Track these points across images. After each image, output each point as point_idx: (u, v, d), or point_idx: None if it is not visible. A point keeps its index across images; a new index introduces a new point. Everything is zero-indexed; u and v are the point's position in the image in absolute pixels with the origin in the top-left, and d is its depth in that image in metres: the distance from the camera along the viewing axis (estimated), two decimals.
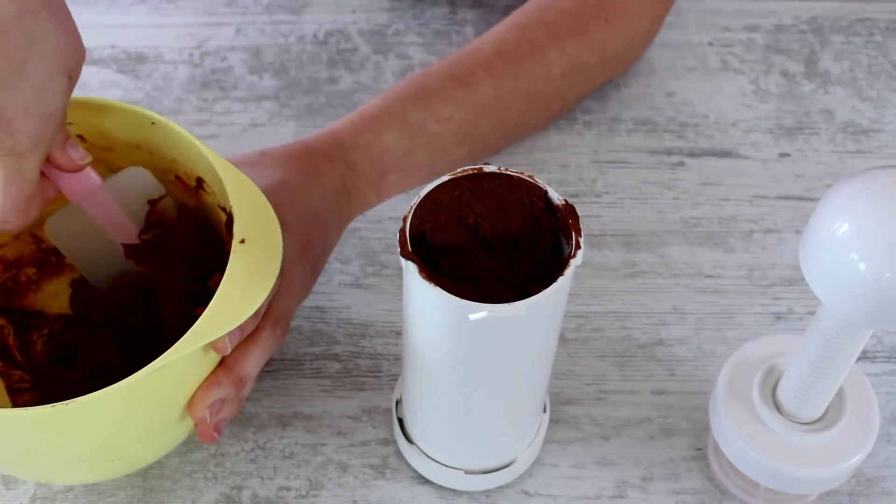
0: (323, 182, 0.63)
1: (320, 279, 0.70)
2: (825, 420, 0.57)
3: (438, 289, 0.48)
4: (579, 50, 0.72)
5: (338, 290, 0.70)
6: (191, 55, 0.82)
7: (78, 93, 0.79)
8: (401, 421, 0.62)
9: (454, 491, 0.62)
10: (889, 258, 0.45)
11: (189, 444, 0.63)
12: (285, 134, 0.78)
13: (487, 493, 0.62)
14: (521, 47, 0.70)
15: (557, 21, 0.72)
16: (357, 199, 0.66)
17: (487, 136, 0.71)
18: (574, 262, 0.49)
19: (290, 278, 0.58)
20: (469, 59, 0.70)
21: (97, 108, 0.59)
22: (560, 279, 0.48)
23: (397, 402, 0.62)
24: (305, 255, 0.59)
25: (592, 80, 0.75)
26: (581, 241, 0.49)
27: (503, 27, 0.72)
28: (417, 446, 0.61)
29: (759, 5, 0.86)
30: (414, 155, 0.67)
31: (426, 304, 0.50)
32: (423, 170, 0.68)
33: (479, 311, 0.47)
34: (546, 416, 0.62)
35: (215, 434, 0.55)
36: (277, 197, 0.58)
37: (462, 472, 0.60)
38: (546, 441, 0.63)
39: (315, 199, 0.62)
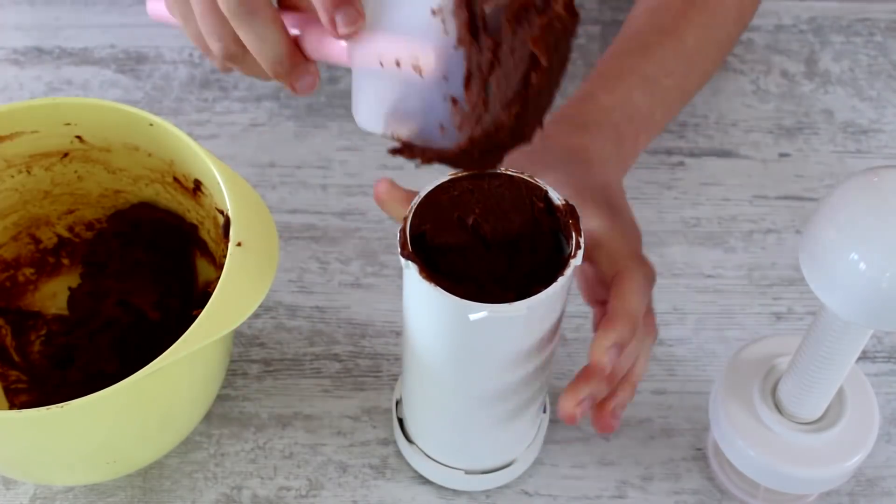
0: (602, 154, 0.61)
1: (320, 279, 0.70)
2: (825, 420, 0.57)
3: (438, 289, 0.48)
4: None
5: (338, 290, 0.70)
6: (191, 55, 0.82)
7: (77, 93, 0.80)
8: (401, 421, 0.62)
9: (454, 491, 0.62)
10: (889, 258, 0.45)
11: (189, 444, 0.63)
12: (285, 134, 0.78)
13: (487, 493, 0.62)
14: None
15: None
16: (624, 161, 0.63)
17: (694, 88, 0.70)
18: (574, 263, 0.49)
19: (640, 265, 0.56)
20: (666, 12, 0.69)
21: (96, 109, 0.59)
22: (560, 279, 0.48)
23: (397, 402, 0.62)
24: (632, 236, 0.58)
25: (741, 30, 0.75)
26: (581, 241, 0.49)
27: None
28: (417, 446, 0.61)
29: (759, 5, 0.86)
30: (655, 114, 0.66)
31: (426, 304, 0.50)
32: (660, 127, 0.67)
33: (479, 311, 0.47)
34: (546, 417, 0.62)
35: (613, 422, 0.55)
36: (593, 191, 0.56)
37: (462, 472, 0.60)
38: (546, 441, 0.63)
39: (609, 174, 0.60)
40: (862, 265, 0.45)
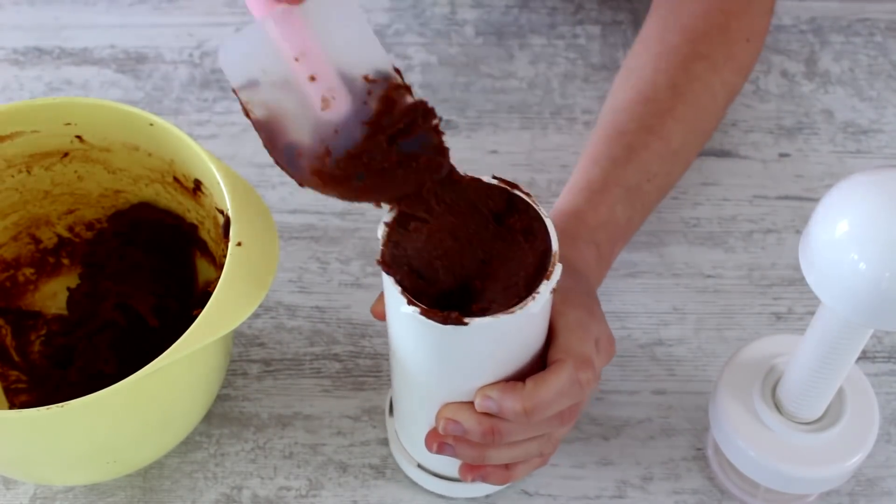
0: (587, 267, 0.61)
1: (320, 279, 0.70)
2: (825, 420, 0.57)
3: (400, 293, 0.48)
4: (734, 77, 0.71)
5: (338, 290, 0.70)
6: (191, 55, 0.82)
7: (77, 93, 0.80)
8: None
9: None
10: (889, 258, 0.45)
11: (189, 445, 0.63)
12: None
13: (487, 494, 0.62)
14: (693, 87, 0.68)
15: (712, 51, 0.69)
16: (601, 273, 0.64)
17: (675, 181, 0.69)
18: (543, 289, 0.49)
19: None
20: (654, 107, 0.67)
21: (96, 109, 0.59)
22: (520, 308, 0.48)
23: (390, 407, 0.62)
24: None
25: (733, 102, 0.74)
26: (554, 263, 0.49)
27: (667, 61, 0.69)
28: (407, 451, 0.61)
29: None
30: (633, 221, 0.66)
31: (393, 310, 0.51)
32: (636, 228, 0.67)
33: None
34: None
35: (474, 475, 0.56)
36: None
37: (447, 481, 0.60)
38: None
39: (591, 285, 0.61)
40: (862, 265, 0.45)
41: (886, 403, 0.65)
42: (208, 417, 0.64)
